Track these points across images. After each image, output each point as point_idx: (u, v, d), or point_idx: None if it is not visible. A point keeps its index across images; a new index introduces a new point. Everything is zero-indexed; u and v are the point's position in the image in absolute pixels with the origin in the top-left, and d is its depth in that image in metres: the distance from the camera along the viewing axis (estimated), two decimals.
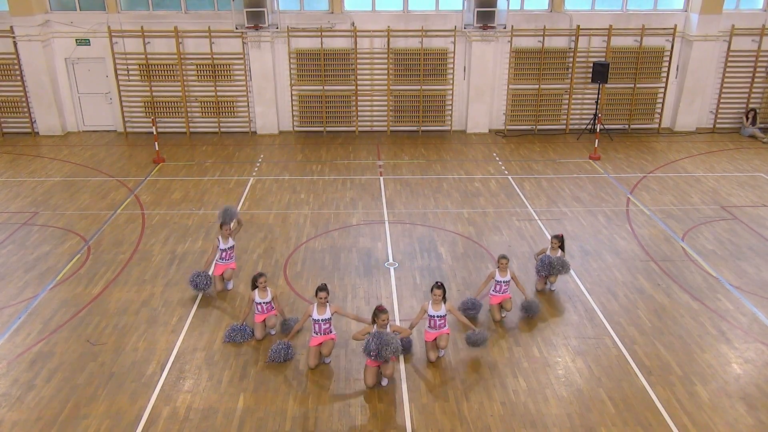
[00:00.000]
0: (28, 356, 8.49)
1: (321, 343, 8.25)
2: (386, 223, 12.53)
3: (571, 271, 10.59)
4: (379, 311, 7.75)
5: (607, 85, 18.10)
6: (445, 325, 8.39)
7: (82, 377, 8.08)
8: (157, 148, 16.13)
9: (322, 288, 8.23)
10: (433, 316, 8.33)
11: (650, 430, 7.24)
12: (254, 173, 15.28)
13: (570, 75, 18.31)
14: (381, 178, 14.95)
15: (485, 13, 17.02)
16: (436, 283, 8.38)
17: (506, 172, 15.33)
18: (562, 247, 10.11)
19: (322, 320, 8.21)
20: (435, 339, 8.38)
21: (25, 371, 8.19)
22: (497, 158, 16.39)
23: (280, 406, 7.60)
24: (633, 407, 7.59)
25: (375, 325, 7.80)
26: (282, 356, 8.28)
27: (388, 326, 7.83)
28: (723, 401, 7.69)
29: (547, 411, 7.53)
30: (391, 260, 11.03)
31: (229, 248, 10.01)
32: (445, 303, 8.37)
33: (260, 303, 8.82)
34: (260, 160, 16.27)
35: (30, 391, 7.84)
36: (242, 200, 13.61)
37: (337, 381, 8.04)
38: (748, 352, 8.64)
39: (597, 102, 18.09)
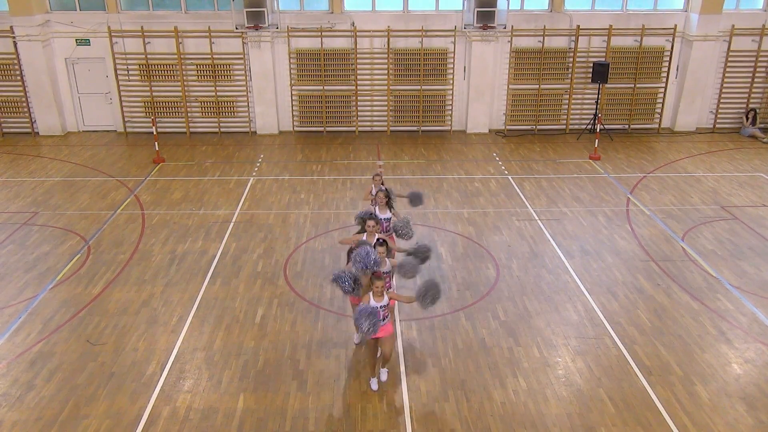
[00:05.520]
0: (28, 356, 8.50)
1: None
2: None
3: (571, 271, 10.61)
4: (368, 218, 8.45)
5: (607, 85, 18.09)
6: (389, 231, 9.28)
7: (82, 377, 8.08)
8: (157, 148, 16.13)
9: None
10: (380, 219, 9.08)
11: (650, 430, 7.24)
12: (254, 173, 15.28)
13: (570, 75, 18.31)
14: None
15: (485, 13, 17.02)
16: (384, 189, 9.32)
17: (506, 172, 15.32)
18: (389, 205, 9.41)
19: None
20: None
21: (25, 371, 8.19)
22: (497, 158, 16.39)
23: (280, 406, 7.61)
24: (633, 407, 7.59)
25: (365, 234, 8.43)
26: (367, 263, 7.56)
27: (375, 236, 8.26)
28: (723, 401, 7.70)
29: (547, 411, 7.53)
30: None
31: (385, 219, 9.32)
32: (391, 210, 9.32)
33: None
34: (260, 160, 16.27)
35: (30, 391, 7.84)
36: (242, 200, 13.61)
37: (338, 381, 8.04)
38: (748, 352, 8.65)
39: (597, 102, 18.08)
